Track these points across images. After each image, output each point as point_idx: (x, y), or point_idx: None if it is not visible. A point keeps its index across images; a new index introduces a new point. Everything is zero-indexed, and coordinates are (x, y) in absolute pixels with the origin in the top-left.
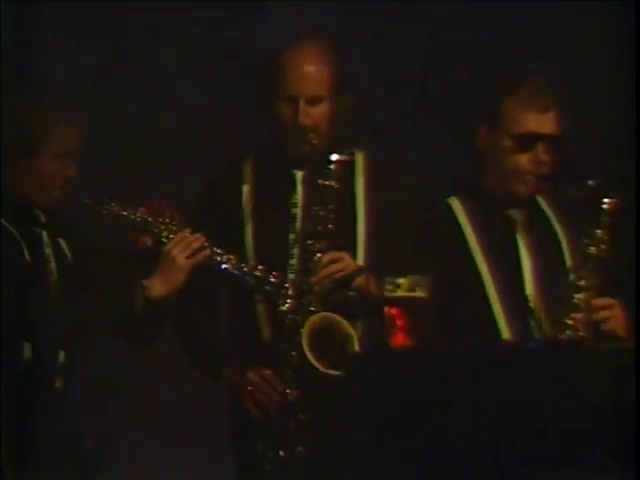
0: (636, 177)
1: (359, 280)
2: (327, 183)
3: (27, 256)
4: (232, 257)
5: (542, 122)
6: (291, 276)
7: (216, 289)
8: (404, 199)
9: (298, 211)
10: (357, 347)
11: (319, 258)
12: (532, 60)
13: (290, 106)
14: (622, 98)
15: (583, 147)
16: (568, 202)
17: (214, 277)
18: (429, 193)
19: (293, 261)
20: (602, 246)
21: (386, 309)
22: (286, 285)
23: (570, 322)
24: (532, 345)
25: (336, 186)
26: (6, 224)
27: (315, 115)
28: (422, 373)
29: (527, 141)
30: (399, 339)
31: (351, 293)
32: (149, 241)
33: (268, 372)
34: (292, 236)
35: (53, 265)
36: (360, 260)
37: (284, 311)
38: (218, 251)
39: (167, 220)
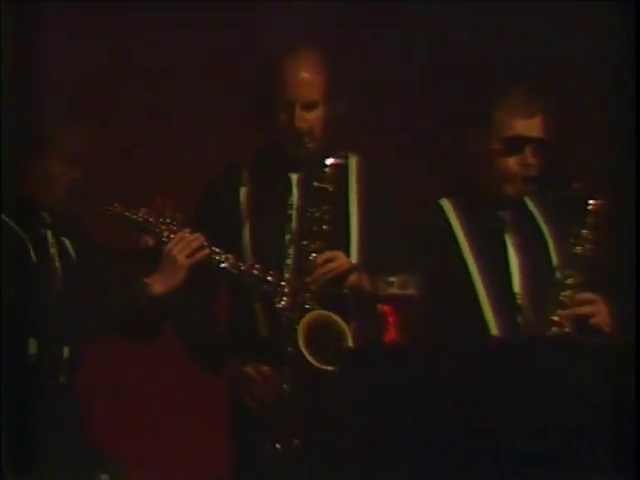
0: (636, 177)
1: (353, 278)
2: (322, 185)
3: (33, 255)
4: (230, 256)
5: (529, 126)
6: (287, 275)
7: (215, 287)
8: (396, 200)
9: (294, 212)
10: (351, 343)
11: (314, 258)
12: (526, 64)
13: (287, 111)
14: (622, 98)
15: (573, 149)
16: (554, 203)
17: (213, 276)
18: (421, 194)
19: (289, 260)
20: (587, 245)
21: (379, 306)
22: (282, 284)
23: (556, 319)
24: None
25: (330, 188)
26: (12, 224)
27: (310, 119)
28: (413, 368)
29: (515, 144)
30: (391, 335)
31: (345, 291)
32: (150, 241)
33: (265, 367)
34: (288, 236)
35: (58, 264)
36: (354, 259)
37: (280, 309)
38: (217, 250)
39: (168, 220)
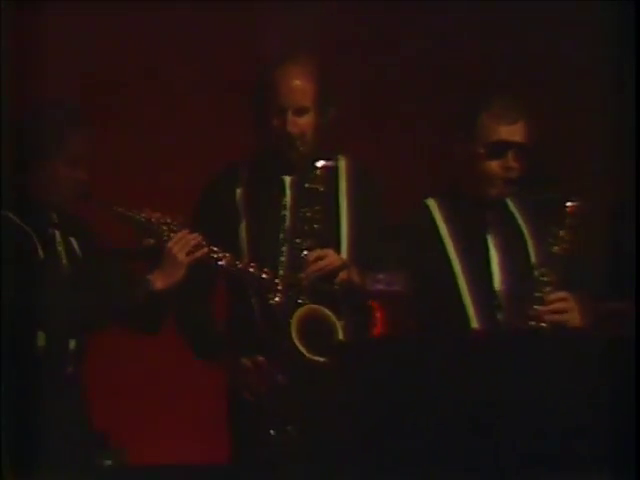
0: (636, 177)
1: (343, 275)
2: (313, 187)
3: (41, 253)
4: (228, 255)
5: (512, 132)
6: (281, 272)
7: (213, 284)
8: (384, 200)
9: (287, 212)
10: (341, 336)
11: (306, 255)
12: (524, 65)
13: (279, 116)
14: (621, 99)
15: (555, 153)
16: (534, 204)
17: (211, 273)
18: (408, 194)
19: (283, 258)
20: (564, 245)
21: (367, 302)
22: (276, 280)
23: (533, 314)
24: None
25: (321, 189)
26: (22, 224)
27: (302, 124)
28: (399, 359)
29: (498, 148)
30: (379, 329)
31: (335, 287)
32: (152, 240)
33: (261, 358)
34: (282, 235)
35: (65, 262)
36: (344, 257)
37: (275, 304)
38: (215, 249)
39: (168, 220)
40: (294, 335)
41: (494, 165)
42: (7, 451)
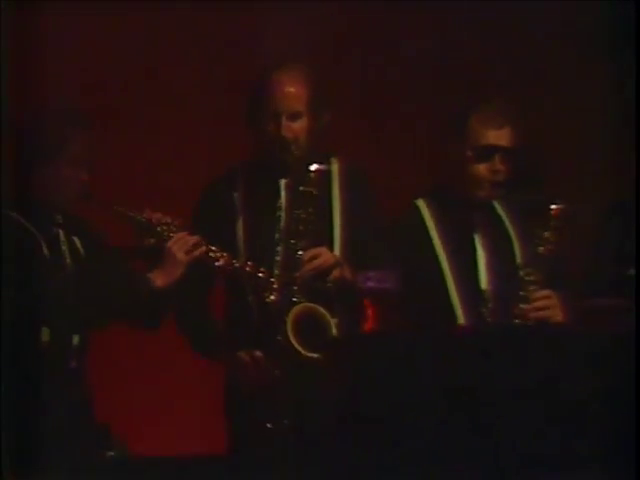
0: (636, 176)
1: (336, 273)
2: (308, 190)
3: (46, 252)
4: (225, 254)
5: (499, 136)
6: (277, 271)
7: (211, 282)
8: (376, 201)
9: (282, 214)
10: (334, 332)
11: (301, 255)
12: (522, 65)
13: (274, 121)
14: (613, 101)
15: (541, 157)
16: (520, 207)
17: (210, 272)
18: (398, 195)
19: (278, 257)
20: (549, 246)
21: (359, 299)
22: (272, 279)
23: (518, 312)
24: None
25: (315, 192)
26: (27, 224)
27: (296, 129)
28: (390, 354)
29: (486, 152)
30: (370, 325)
31: (329, 285)
32: (152, 239)
33: (257, 354)
34: (277, 236)
35: (69, 260)
36: (337, 256)
37: (270, 302)
38: (213, 249)
39: (168, 221)
40: (290, 332)
41: (482, 168)
42: (7, 450)
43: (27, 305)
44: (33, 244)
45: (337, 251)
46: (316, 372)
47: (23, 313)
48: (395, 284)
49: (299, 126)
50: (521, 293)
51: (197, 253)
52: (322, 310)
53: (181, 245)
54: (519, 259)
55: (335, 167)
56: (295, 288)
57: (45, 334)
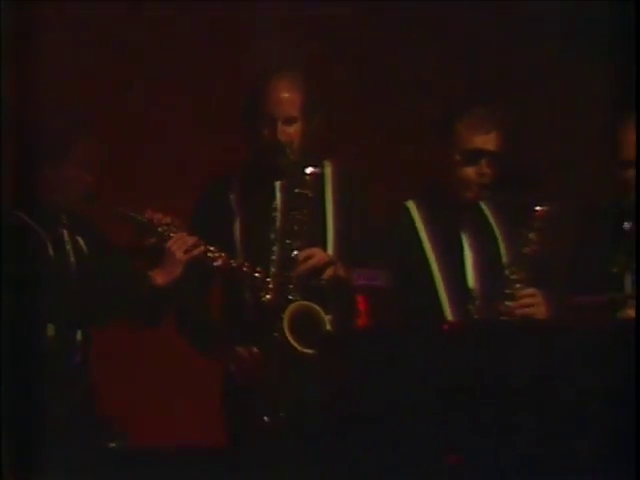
0: (636, 177)
1: (329, 272)
2: (303, 192)
3: (51, 252)
4: (223, 254)
5: (486, 141)
6: (273, 270)
7: (210, 281)
8: (368, 203)
9: (278, 215)
10: (328, 328)
11: (296, 255)
12: (521, 65)
13: (270, 126)
14: (604, 104)
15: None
16: (506, 208)
17: (208, 271)
18: (389, 197)
19: (274, 257)
20: (533, 246)
21: (352, 296)
22: (268, 279)
23: (504, 309)
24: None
25: (310, 194)
26: (33, 224)
27: (290, 133)
28: (381, 348)
29: (473, 156)
30: (363, 321)
31: (323, 282)
32: (153, 239)
33: (254, 350)
34: (273, 236)
35: (73, 259)
36: (330, 255)
37: (266, 300)
38: (211, 249)
39: (168, 221)
40: (286, 329)
41: (469, 171)
42: (7, 450)
43: (33, 302)
44: (38, 243)
45: (331, 251)
46: (311, 367)
47: (29, 309)
48: (386, 282)
49: (294, 130)
50: (507, 291)
51: (196, 253)
52: (317, 307)
53: (180, 245)
54: (505, 258)
55: (328, 170)
56: (290, 287)
57: (50, 330)
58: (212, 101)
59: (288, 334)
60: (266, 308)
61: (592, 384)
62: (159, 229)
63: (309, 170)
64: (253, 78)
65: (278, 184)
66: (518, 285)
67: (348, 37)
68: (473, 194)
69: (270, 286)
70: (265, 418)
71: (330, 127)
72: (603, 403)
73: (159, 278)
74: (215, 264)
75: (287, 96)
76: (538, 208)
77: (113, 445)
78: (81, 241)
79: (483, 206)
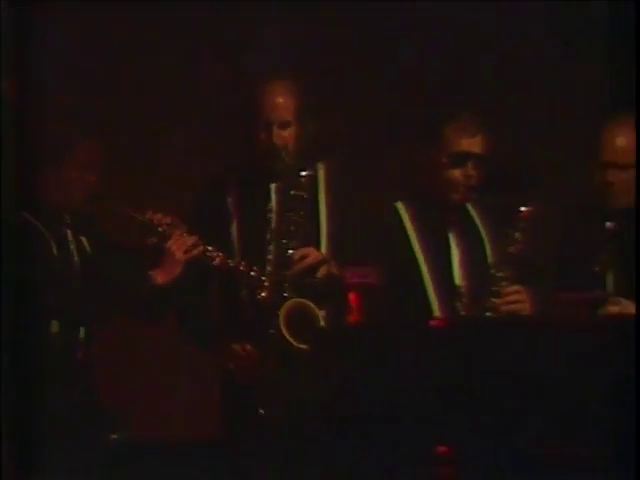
0: (636, 179)
1: (323, 269)
2: (298, 194)
3: (55, 251)
4: (221, 254)
5: (472, 144)
6: (269, 269)
7: (208, 280)
8: (359, 204)
9: (273, 216)
10: (322, 324)
11: (291, 254)
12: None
13: (265, 130)
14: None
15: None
16: (492, 209)
17: (207, 270)
18: (379, 199)
19: (270, 256)
20: (518, 245)
21: (345, 294)
22: (263, 277)
23: (490, 305)
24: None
25: (305, 196)
26: (38, 224)
27: (285, 136)
28: (373, 343)
29: (460, 159)
30: (355, 317)
31: (317, 280)
32: (154, 239)
33: (250, 345)
34: (268, 236)
35: (76, 258)
36: (324, 253)
37: (261, 298)
38: (209, 249)
39: (168, 222)
40: (282, 325)
41: (456, 173)
42: (7, 450)
43: (38, 299)
44: (43, 243)
45: (324, 250)
46: (306, 361)
47: (34, 306)
48: (377, 280)
49: (288, 134)
50: (493, 288)
51: (195, 252)
52: (311, 304)
53: (180, 245)
54: (491, 257)
55: (322, 172)
56: (286, 285)
57: (54, 326)
58: (208, 109)
59: (284, 330)
60: (263, 305)
61: (578, 379)
62: (159, 229)
63: (303, 173)
64: (249, 83)
65: (274, 186)
66: (504, 282)
67: (340, 44)
68: (460, 196)
69: (266, 284)
70: (261, 411)
71: (323, 131)
72: (589, 398)
73: (159, 277)
74: (213, 263)
75: (282, 101)
76: (523, 209)
77: (115, 436)
78: (84, 241)
79: (469, 207)
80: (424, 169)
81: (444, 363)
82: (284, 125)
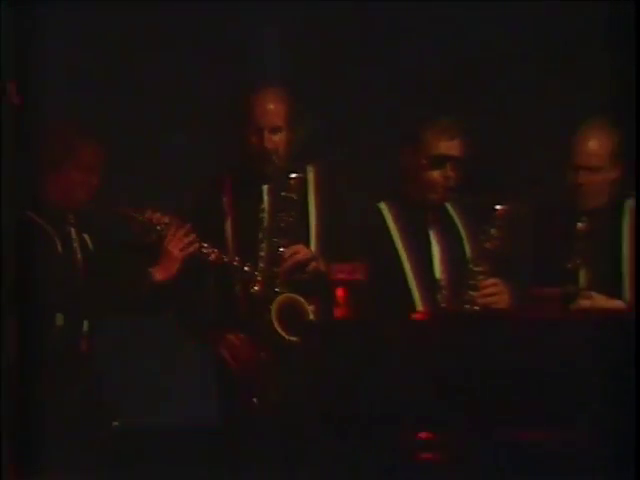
0: (636, 176)
1: (312, 266)
2: (289, 195)
3: (59, 249)
4: (216, 251)
5: (450, 147)
6: (261, 265)
7: (204, 275)
8: (346, 205)
9: (265, 216)
10: (311, 317)
11: (282, 251)
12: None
13: (257, 135)
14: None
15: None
16: (469, 207)
17: (203, 266)
18: (364, 200)
19: (262, 253)
20: (494, 242)
21: (332, 288)
22: (256, 273)
23: (468, 298)
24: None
25: (295, 197)
26: (43, 223)
27: (276, 141)
28: (359, 336)
29: (439, 161)
30: (342, 311)
31: (306, 276)
32: (153, 237)
33: (244, 337)
34: (261, 235)
35: (79, 256)
36: (313, 251)
37: (254, 292)
38: (205, 246)
39: (167, 221)
40: (274, 319)
41: (435, 174)
42: (7, 450)
43: (43, 294)
44: (48, 241)
45: (313, 247)
46: (297, 353)
47: (40, 301)
48: (363, 275)
49: (279, 138)
50: (470, 282)
51: (192, 250)
52: (301, 299)
53: (177, 243)
54: (469, 253)
55: (311, 175)
56: (277, 280)
57: (59, 319)
58: (204, 116)
59: (276, 323)
60: (255, 299)
61: (558, 369)
62: (158, 228)
63: (293, 175)
64: (242, 90)
65: (265, 188)
66: (481, 276)
67: (328, 53)
68: (439, 196)
69: (259, 279)
70: (254, 399)
71: (311, 135)
72: (572, 387)
73: (159, 273)
74: (209, 259)
75: (273, 107)
76: (498, 207)
77: (116, 424)
78: (87, 239)
79: (448, 206)
80: (405, 171)
81: (427, 354)
82: (275, 130)
